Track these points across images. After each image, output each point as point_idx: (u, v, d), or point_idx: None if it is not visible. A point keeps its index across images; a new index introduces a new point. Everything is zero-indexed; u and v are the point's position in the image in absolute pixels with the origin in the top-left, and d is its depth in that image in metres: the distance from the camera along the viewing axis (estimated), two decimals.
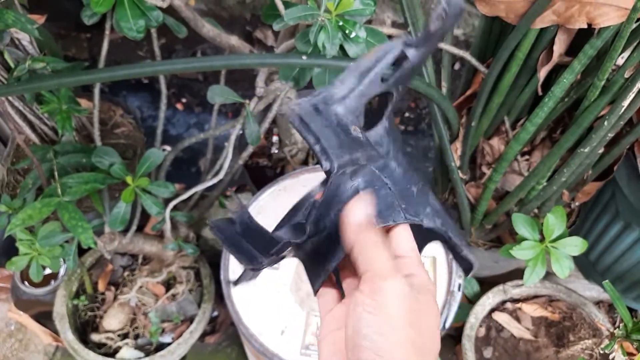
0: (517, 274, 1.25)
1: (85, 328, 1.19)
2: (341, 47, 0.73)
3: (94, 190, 0.89)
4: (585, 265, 1.24)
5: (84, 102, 1.24)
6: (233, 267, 0.96)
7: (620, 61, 0.84)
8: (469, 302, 1.26)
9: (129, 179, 0.93)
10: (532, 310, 1.20)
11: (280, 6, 0.70)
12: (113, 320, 1.16)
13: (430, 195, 0.45)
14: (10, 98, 1.03)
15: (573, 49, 0.83)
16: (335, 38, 0.68)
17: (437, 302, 0.37)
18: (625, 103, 0.76)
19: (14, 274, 1.23)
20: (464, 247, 0.45)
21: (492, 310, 1.21)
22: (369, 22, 0.80)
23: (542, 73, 0.84)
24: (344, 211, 0.37)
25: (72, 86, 1.00)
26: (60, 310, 1.15)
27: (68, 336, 1.12)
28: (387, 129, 0.43)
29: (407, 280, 0.35)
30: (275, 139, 1.25)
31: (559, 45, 0.81)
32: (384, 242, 0.36)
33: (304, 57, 0.72)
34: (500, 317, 1.20)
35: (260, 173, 1.31)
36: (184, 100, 1.88)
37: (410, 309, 0.34)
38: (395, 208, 0.41)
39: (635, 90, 0.74)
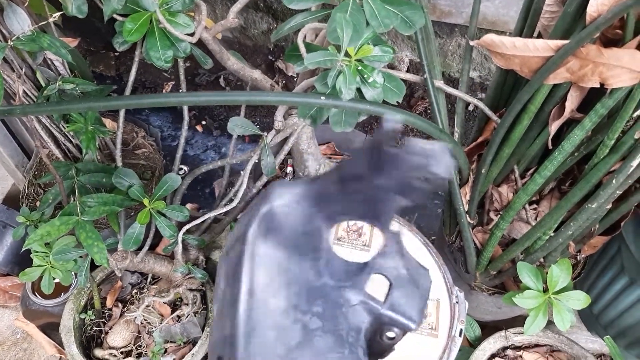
0: (519, 320, 1.25)
1: (89, 343, 1.20)
2: (359, 90, 0.76)
3: (112, 212, 0.92)
4: (589, 317, 1.24)
5: (108, 122, 1.28)
6: None
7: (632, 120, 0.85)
8: (470, 345, 1.26)
9: (146, 201, 0.96)
10: (532, 359, 1.20)
11: (303, 49, 0.73)
12: (117, 337, 1.18)
13: None
14: None
15: (585, 105, 0.85)
16: (353, 83, 0.71)
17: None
18: (634, 163, 0.77)
19: (25, 284, 1.26)
20: None
21: (493, 356, 1.20)
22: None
23: (553, 127, 0.86)
24: None
25: (99, 110, 1.04)
26: (67, 323, 1.17)
27: (72, 350, 1.14)
28: None
29: None
30: (289, 169, 1.27)
31: (571, 102, 0.83)
32: None
33: (323, 98, 0.75)
34: None
35: None
36: (203, 122, 1.92)
37: None
38: None
39: None
